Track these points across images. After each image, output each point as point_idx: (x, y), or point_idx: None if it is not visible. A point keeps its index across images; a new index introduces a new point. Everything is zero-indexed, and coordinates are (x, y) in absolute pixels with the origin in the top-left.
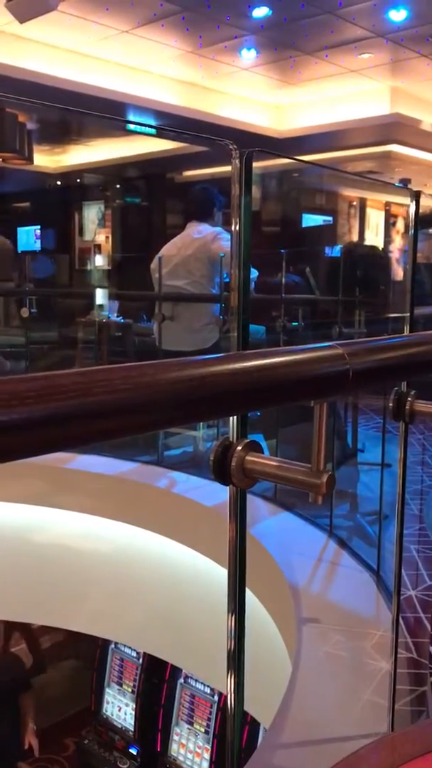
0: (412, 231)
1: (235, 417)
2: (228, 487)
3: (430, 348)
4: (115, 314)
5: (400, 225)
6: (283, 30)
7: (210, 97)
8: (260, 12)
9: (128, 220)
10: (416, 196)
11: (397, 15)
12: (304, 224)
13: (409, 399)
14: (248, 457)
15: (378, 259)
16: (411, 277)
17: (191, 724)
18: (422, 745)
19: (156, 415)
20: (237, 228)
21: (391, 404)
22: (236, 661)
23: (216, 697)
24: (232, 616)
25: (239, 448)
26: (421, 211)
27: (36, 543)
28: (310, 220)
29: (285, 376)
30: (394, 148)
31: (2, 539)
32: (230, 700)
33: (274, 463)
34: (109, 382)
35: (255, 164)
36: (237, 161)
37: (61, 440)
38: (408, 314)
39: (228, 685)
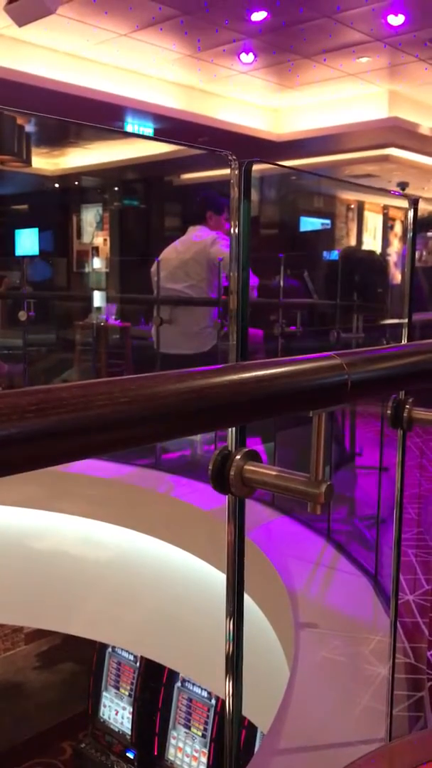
0: (410, 236)
1: None
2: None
3: (428, 357)
4: (113, 317)
5: (398, 228)
6: (281, 34)
7: (208, 100)
8: (259, 16)
9: (126, 223)
10: (414, 203)
11: (395, 19)
12: (302, 228)
13: (407, 407)
14: (247, 466)
15: (376, 263)
16: (409, 284)
17: (188, 727)
18: (420, 754)
19: (156, 428)
20: (236, 234)
21: (389, 412)
22: (235, 665)
23: (213, 701)
24: (230, 620)
25: (238, 457)
26: (419, 214)
27: (34, 547)
28: (308, 223)
29: (284, 386)
30: (392, 151)
31: (0, 543)
32: (228, 704)
33: (273, 473)
34: (108, 395)
35: (253, 167)
36: (236, 171)
37: (61, 454)
38: (406, 320)
39: (226, 690)
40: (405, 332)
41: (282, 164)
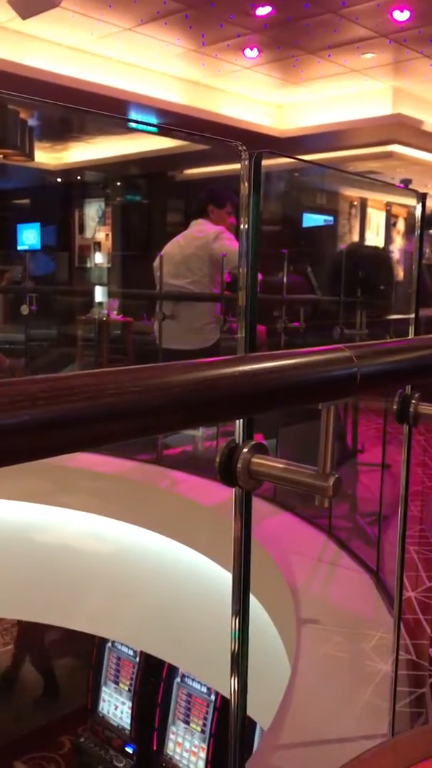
0: (418, 232)
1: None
2: (233, 489)
3: None
4: (115, 312)
5: (400, 225)
6: (285, 29)
7: (212, 95)
8: (263, 11)
9: (129, 218)
10: (422, 197)
11: (400, 15)
12: (305, 224)
13: (414, 401)
14: (254, 459)
15: (380, 259)
16: (417, 279)
17: (187, 723)
18: (426, 748)
19: (166, 418)
20: (245, 228)
21: (395, 406)
22: (239, 663)
23: (213, 697)
24: (236, 618)
25: (245, 449)
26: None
27: (36, 541)
28: (311, 219)
29: (293, 378)
30: (395, 148)
31: (2, 537)
32: (233, 702)
33: (281, 466)
34: (118, 385)
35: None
36: (246, 162)
37: (70, 442)
38: (413, 315)
39: (231, 688)
40: (412, 327)
41: (293, 156)
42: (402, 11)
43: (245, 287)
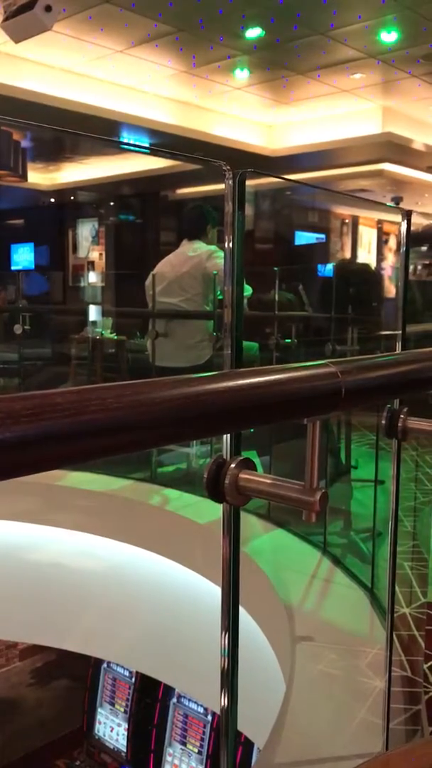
0: (404, 249)
1: (228, 434)
2: (222, 505)
3: (422, 366)
4: (109, 331)
5: (392, 243)
6: (275, 50)
7: (203, 116)
8: (253, 33)
9: (122, 238)
10: (407, 215)
11: (389, 36)
12: (297, 242)
13: (402, 416)
14: (242, 475)
15: (370, 276)
16: (403, 295)
17: (184, 744)
18: (416, 764)
19: (150, 433)
20: (230, 247)
21: (383, 421)
22: (230, 679)
23: (209, 717)
24: (225, 634)
25: (233, 465)
26: (413, 228)
27: (28, 561)
28: (303, 237)
29: (278, 393)
30: (386, 166)
31: None
32: (223, 719)
33: (268, 481)
34: (103, 401)
35: (248, 182)
36: (230, 182)
37: (55, 459)
38: (400, 332)
39: (221, 704)
40: (399, 343)
41: (275, 175)
42: (389, 32)
43: (231, 304)
